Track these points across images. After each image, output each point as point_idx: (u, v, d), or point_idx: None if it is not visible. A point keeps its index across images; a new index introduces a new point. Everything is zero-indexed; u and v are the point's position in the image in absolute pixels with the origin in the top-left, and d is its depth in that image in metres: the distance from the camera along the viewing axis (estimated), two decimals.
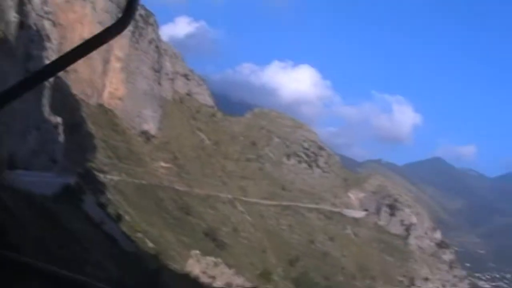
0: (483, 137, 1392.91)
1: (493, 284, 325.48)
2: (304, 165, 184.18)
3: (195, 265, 59.29)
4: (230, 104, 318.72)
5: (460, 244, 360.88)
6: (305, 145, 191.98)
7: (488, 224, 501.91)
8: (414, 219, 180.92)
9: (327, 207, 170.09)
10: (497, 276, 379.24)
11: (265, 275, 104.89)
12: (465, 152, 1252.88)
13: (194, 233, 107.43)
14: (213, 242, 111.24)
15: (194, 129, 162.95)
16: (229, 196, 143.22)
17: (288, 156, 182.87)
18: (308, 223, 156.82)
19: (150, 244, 72.15)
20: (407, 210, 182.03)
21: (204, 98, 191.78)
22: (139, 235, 72.68)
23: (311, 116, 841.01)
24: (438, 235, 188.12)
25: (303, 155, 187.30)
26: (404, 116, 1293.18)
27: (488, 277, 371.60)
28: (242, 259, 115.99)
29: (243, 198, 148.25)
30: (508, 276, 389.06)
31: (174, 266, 67.73)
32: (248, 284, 65.21)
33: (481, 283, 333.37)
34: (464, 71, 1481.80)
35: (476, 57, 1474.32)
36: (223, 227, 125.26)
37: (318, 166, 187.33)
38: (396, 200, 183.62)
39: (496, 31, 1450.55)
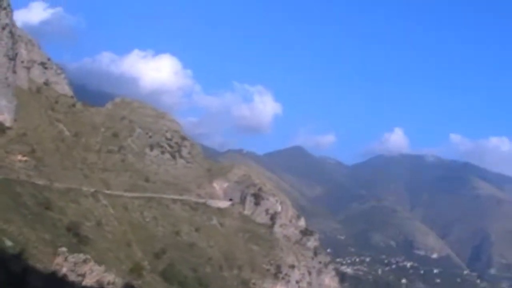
0: (341, 126, 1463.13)
1: (354, 268, 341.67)
2: (167, 155, 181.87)
3: (63, 263, 55.72)
4: (88, 94, 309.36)
5: (320, 230, 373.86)
6: (168, 135, 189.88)
7: (346, 210, 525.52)
8: (278, 208, 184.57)
9: (191, 198, 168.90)
10: (357, 260, 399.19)
11: (137, 270, 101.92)
12: (324, 141, 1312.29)
13: (55, 229, 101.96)
14: (76, 237, 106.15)
15: (53, 120, 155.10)
16: (91, 189, 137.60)
17: (151, 147, 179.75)
18: (173, 215, 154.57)
19: (9, 243, 67.28)
20: (271, 199, 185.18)
21: (63, 87, 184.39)
22: None
23: (172, 106, 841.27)
24: (302, 222, 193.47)
25: (166, 146, 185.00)
26: (265, 106, 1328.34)
27: (349, 261, 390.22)
28: (107, 254, 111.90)
29: (106, 191, 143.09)
30: (367, 259, 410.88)
31: (38, 265, 63.60)
32: (119, 280, 62.42)
33: (343, 267, 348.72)
34: (321, 61, 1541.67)
35: (332, 49, 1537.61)
36: (86, 222, 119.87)
37: (181, 156, 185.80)
38: (260, 190, 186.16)
39: (345, 25, 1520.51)
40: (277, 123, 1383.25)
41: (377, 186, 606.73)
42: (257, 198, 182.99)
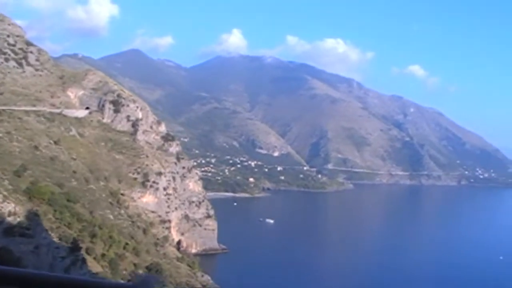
0: (179, 28, 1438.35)
1: (201, 169, 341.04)
2: (12, 63, 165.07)
3: None
4: None
5: None
6: (11, 40, 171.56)
7: (188, 113, 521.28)
8: (139, 114, 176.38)
9: (46, 108, 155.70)
10: (203, 161, 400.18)
11: (39, 193, 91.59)
12: (162, 43, 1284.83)
13: None
14: None
15: None
16: None
17: None
18: (28, 128, 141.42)
19: None
20: (132, 106, 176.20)
21: None
22: None
23: None
24: (163, 128, 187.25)
25: (10, 52, 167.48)
26: (101, 7, 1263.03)
27: (195, 163, 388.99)
28: None
29: None
30: (213, 161, 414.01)
31: None
32: (20, 209, 54.00)
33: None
34: None
35: None
36: None
37: (29, 64, 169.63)
38: (119, 96, 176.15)
39: None
40: (114, 25, 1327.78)
41: (217, 88, 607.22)
42: (116, 105, 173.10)
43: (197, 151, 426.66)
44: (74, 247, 72.11)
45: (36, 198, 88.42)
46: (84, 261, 74.16)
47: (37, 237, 55.10)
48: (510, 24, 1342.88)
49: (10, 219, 50.53)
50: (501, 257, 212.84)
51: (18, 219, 51.69)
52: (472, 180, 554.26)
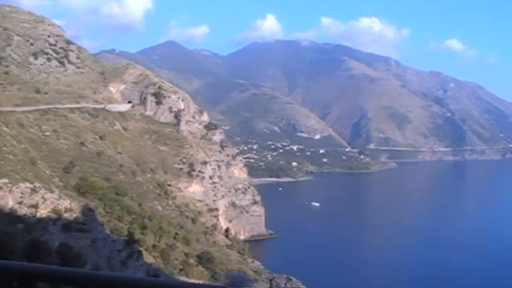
0: (213, 17, 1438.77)
1: (244, 156, 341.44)
2: (55, 62, 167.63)
3: (7, 196, 47.35)
4: None
5: None
6: (51, 40, 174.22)
7: (227, 101, 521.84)
8: (181, 105, 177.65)
9: (89, 104, 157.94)
10: (245, 148, 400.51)
11: (92, 188, 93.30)
12: (198, 33, 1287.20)
13: None
14: None
15: None
16: None
17: (35, 55, 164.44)
18: (73, 125, 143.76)
19: None
20: (173, 97, 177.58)
21: None
22: None
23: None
24: (205, 117, 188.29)
25: (52, 52, 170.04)
26: (134, 2, 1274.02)
27: (237, 150, 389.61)
28: (14, 177, 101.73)
29: None
30: (255, 147, 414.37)
31: None
32: (75, 204, 55.15)
33: None
34: None
35: None
36: None
37: (70, 62, 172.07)
38: (160, 88, 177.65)
39: None
40: (148, 18, 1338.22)
41: (255, 74, 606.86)
42: (158, 97, 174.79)
43: (238, 138, 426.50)
44: (130, 240, 73.33)
45: (90, 193, 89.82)
46: (140, 253, 75.42)
47: (93, 231, 56.26)
48: None
49: (66, 215, 51.72)
50: None
51: (74, 215, 52.88)
52: None
